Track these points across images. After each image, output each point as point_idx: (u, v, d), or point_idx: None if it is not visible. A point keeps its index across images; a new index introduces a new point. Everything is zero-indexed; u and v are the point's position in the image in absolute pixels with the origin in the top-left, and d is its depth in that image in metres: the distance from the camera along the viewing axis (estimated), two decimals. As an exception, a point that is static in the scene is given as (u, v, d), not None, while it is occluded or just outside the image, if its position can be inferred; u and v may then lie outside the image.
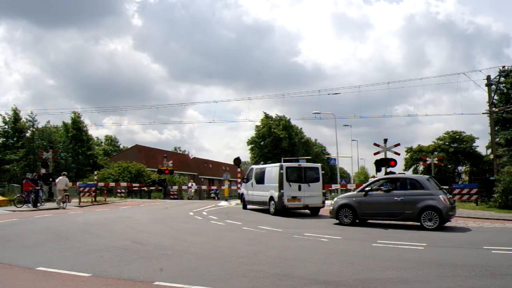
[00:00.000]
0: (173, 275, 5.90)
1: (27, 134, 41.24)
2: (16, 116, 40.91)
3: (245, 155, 62.92)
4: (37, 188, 20.15)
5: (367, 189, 12.50)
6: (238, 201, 22.07)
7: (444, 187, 15.47)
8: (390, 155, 20.41)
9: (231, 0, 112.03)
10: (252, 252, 7.78)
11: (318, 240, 9.39)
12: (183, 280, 5.54)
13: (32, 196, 19.77)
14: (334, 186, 29.47)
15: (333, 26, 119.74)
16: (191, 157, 69.28)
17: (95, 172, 29.92)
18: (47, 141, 40.96)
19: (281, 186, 15.55)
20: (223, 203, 24.81)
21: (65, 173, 22.23)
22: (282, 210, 15.65)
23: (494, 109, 24.58)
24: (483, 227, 12.20)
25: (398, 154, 21.15)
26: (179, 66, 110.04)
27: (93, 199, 25.03)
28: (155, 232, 10.62)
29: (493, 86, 23.92)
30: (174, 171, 36.74)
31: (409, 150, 51.45)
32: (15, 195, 21.70)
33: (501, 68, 24.94)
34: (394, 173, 18.39)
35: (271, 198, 16.06)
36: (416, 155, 48.83)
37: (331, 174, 59.49)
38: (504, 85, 30.89)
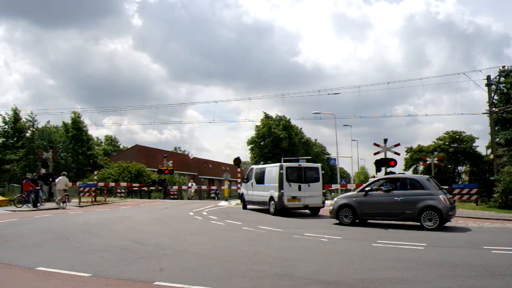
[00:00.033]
0: (173, 275, 5.90)
1: (27, 134, 41.22)
2: (16, 116, 40.92)
3: (245, 155, 63.05)
4: (37, 188, 20.15)
5: (367, 189, 12.50)
6: (238, 201, 22.06)
7: (444, 187, 15.47)
8: (390, 155, 20.41)
9: (231, 0, 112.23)
10: (252, 252, 7.78)
11: (318, 240, 9.39)
12: (183, 280, 5.54)
13: (32, 196, 19.78)
14: (334, 186, 29.48)
15: (333, 26, 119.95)
16: (191, 157, 69.27)
17: (95, 172, 29.93)
18: (47, 141, 40.94)
19: (281, 186, 15.55)
20: (223, 203, 24.81)
21: (65, 173, 22.24)
22: (282, 210, 15.66)
23: (494, 109, 24.58)
24: (483, 227, 12.21)
25: (398, 154, 21.17)
26: (179, 66, 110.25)
27: (93, 199, 25.04)
28: (155, 232, 10.62)
29: (493, 86, 23.92)
30: (174, 171, 36.74)
31: (409, 150, 51.46)
32: (15, 195, 21.71)
33: (501, 68, 25.02)
34: (394, 173, 18.38)
35: (271, 198, 16.06)
36: (416, 155, 48.84)
37: (331, 174, 59.49)
38: (504, 85, 30.90)
